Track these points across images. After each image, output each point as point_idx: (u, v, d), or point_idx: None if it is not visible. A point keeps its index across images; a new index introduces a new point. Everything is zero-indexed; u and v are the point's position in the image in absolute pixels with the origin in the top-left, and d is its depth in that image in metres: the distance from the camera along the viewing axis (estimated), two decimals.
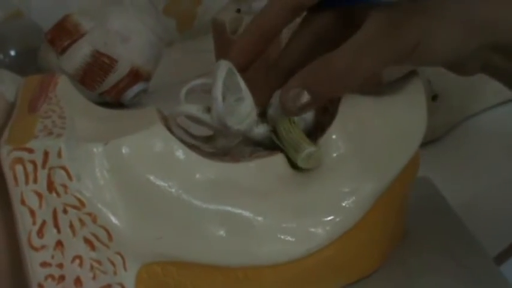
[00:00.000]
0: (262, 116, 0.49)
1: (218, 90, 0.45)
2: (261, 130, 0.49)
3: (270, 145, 0.49)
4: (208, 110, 0.47)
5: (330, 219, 0.48)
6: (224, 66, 0.46)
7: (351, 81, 0.44)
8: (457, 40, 0.43)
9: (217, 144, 0.50)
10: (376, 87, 0.52)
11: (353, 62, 0.43)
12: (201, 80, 0.49)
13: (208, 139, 0.50)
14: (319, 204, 0.48)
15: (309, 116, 0.50)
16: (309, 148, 0.47)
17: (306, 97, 0.45)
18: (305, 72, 0.45)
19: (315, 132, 0.52)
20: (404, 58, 0.44)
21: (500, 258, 0.64)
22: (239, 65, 0.49)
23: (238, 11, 0.83)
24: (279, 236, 0.47)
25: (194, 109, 0.47)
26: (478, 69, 0.48)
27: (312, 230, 0.47)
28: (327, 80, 0.44)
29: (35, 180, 0.42)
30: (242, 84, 0.47)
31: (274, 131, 0.49)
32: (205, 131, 0.50)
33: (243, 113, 0.47)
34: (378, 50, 0.43)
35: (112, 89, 0.88)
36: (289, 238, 0.47)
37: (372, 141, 0.49)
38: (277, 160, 0.48)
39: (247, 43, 0.51)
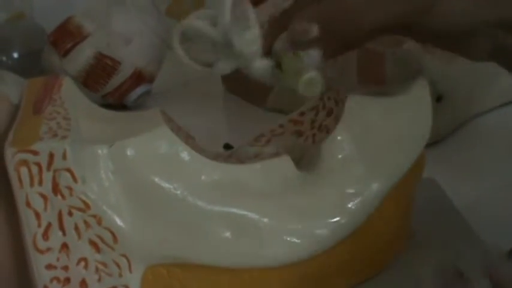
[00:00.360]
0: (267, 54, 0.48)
1: (226, 4, 0.44)
2: (262, 63, 0.47)
3: (269, 81, 0.49)
4: (215, 24, 0.46)
5: (335, 221, 0.48)
6: None
7: (362, 25, 0.44)
8: (469, 9, 0.44)
9: (215, 69, 0.48)
10: (381, 88, 0.52)
11: (367, 5, 0.44)
12: (211, 10, 0.48)
13: (206, 65, 0.49)
14: (324, 205, 0.48)
15: (315, 52, 0.47)
16: (310, 73, 0.46)
17: (314, 31, 0.44)
18: (316, 7, 0.45)
19: (320, 134, 0.52)
20: (415, 16, 0.44)
21: (506, 259, 0.64)
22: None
23: None
24: (284, 237, 0.47)
25: (202, 24, 0.46)
26: (488, 52, 0.48)
27: (318, 231, 0.47)
28: (337, 17, 0.44)
29: (40, 183, 0.42)
30: (251, 14, 0.46)
31: (279, 67, 0.48)
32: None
33: (247, 37, 0.46)
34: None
35: (115, 91, 0.88)
36: (294, 240, 0.47)
37: (377, 142, 0.49)
38: (283, 162, 0.48)
39: None
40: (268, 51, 0.48)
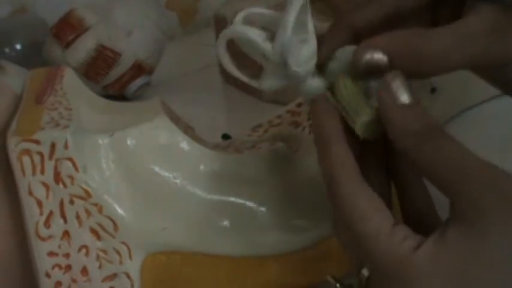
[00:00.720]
0: (319, 70, 0.43)
1: (290, 21, 0.39)
2: (315, 83, 0.42)
3: None
4: (272, 39, 0.41)
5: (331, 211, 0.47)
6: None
7: (438, 67, 0.40)
8: None
9: (263, 84, 0.43)
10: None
11: (450, 49, 0.39)
12: (261, 9, 0.43)
13: (252, 76, 0.44)
14: (320, 195, 0.48)
15: (375, 84, 0.41)
16: (365, 116, 0.40)
17: (383, 62, 0.40)
18: (394, 37, 0.40)
19: None
20: (496, 63, 0.41)
21: None
22: None
23: None
24: (281, 226, 0.46)
25: (256, 34, 0.41)
26: None
27: (314, 221, 0.47)
28: (414, 54, 0.40)
29: (42, 171, 0.41)
30: (310, 24, 0.41)
31: (331, 89, 0.42)
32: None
33: (304, 55, 0.41)
34: (479, 46, 0.40)
35: (116, 82, 0.88)
36: (291, 229, 0.47)
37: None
38: (280, 152, 0.47)
39: None
40: (321, 65, 0.43)
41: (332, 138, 0.39)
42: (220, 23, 0.90)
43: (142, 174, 0.44)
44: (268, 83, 0.42)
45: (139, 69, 0.89)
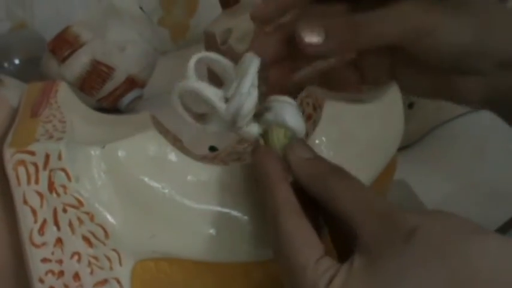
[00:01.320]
0: (255, 116, 0.45)
1: (246, 87, 0.42)
2: (252, 129, 0.45)
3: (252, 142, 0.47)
4: (226, 100, 0.43)
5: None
6: (256, 63, 0.43)
7: (374, 37, 0.44)
8: (467, 40, 0.44)
9: (207, 128, 0.45)
10: (357, 95, 0.52)
11: (385, 20, 0.44)
12: (212, 54, 0.45)
13: (200, 117, 0.46)
14: None
15: (300, 128, 0.45)
16: None
17: (321, 36, 0.43)
18: (326, 18, 0.44)
19: None
20: (411, 40, 0.44)
21: None
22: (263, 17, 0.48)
23: None
24: (265, 234, 0.46)
25: (212, 92, 0.43)
26: (480, 96, 0.47)
27: None
28: (351, 25, 0.44)
29: (37, 181, 0.41)
30: (255, 77, 0.43)
31: (264, 134, 0.45)
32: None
33: (249, 107, 0.43)
34: (410, 21, 0.44)
35: (109, 96, 0.88)
36: None
37: (352, 146, 0.49)
38: None
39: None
40: (257, 113, 0.45)
41: (275, 178, 0.41)
42: (210, 39, 0.90)
43: (133, 185, 0.43)
44: (212, 128, 0.45)
45: (132, 83, 0.89)
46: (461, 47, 0.45)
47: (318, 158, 0.42)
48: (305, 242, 0.38)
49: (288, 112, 0.44)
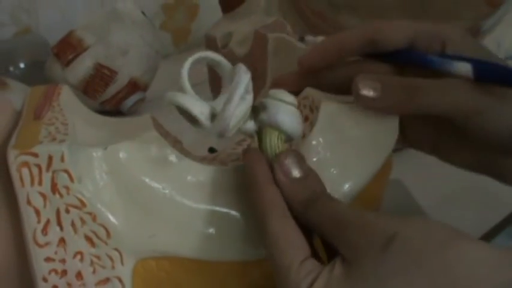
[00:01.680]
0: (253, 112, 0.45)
1: (233, 106, 0.41)
2: (248, 127, 0.45)
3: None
4: (213, 117, 0.43)
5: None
6: (246, 79, 0.42)
7: (429, 103, 0.44)
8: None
9: (202, 131, 0.44)
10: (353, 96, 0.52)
11: (442, 89, 0.44)
12: (210, 54, 0.44)
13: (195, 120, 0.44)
14: None
15: (297, 135, 0.46)
16: None
17: (377, 92, 0.44)
18: (385, 76, 0.45)
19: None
20: (462, 115, 0.45)
21: None
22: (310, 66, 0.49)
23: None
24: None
25: (198, 110, 0.42)
26: None
27: None
28: (407, 86, 0.44)
29: (40, 182, 0.41)
30: (245, 93, 0.43)
31: (259, 134, 0.45)
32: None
33: (242, 111, 0.43)
34: (464, 94, 0.44)
35: (112, 98, 0.88)
36: None
37: (348, 147, 0.49)
38: None
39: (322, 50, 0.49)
40: (254, 110, 0.45)
41: (263, 180, 0.41)
42: (211, 43, 0.90)
43: (134, 185, 0.43)
44: (206, 132, 0.43)
45: (134, 86, 0.89)
46: (509, 131, 0.45)
47: (306, 179, 0.42)
48: (290, 243, 0.39)
49: (282, 113, 0.43)
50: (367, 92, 0.44)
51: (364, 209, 0.49)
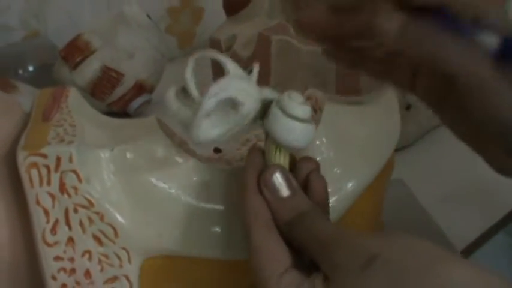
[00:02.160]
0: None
1: (198, 121, 0.39)
2: (257, 125, 0.42)
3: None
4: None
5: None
6: (212, 101, 0.39)
7: None
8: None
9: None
10: (356, 98, 0.52)
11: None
12: (210, 53, 0.42)
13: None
14: None
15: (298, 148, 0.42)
16: None
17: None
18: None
19: None
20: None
21: (467, 251, 0.64)
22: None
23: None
24: None
25: (181, 119, 0.41)
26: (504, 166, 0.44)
27: None
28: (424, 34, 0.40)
29: (49, 183, 0.41)
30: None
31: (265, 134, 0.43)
32: None
33: (219, 127, 0.41)
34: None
35: (119, 100, 0.88)
36: None
37: (351, 147, 0.49)
38: None
39: None
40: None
41: (252, 189, 0.41)
42: (215, 45, 0.90)
43: (141, 185, 0.43)
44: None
45: (140, 88, 0.89)
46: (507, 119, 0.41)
47: (294, 198, 0.40)
48: (270, 256, 0.38)
49: (280, 128, 0.40)
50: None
51: (366, 207, 0.49)
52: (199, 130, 0.40)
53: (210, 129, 0.40)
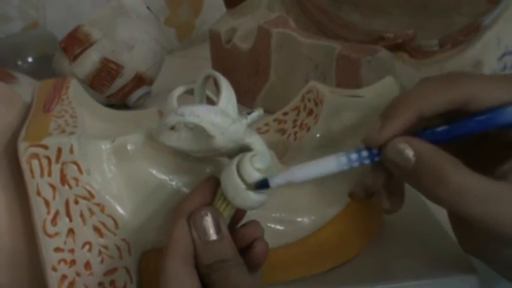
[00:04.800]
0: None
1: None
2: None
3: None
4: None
5: (315, 209, 0.47)
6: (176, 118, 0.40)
7: (452, 201, 0.39)
8: None
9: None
10: (356, 91, 0.52)
11: (470, 196, 0.38)
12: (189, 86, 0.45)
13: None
14: (305, 195, 0.48)
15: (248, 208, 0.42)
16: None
17: (410, 155, 0.40)
18: (432, 147, 0.40)
19: (301, 131, 0.52)
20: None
21: None
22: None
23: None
24: (269, 224, 0.46)
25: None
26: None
27: (299, 219, 0.47)
28: (436, 173, 0.39)
29: (50, 174, 0.41)
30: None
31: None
32: None
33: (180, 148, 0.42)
34: (499, 210, 0.38)
35: (118, 92, 0.88)
36: (278, 227, 0.47)
37: (351, 139, 0.49)
38: None
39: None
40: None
41: (182, 215, 0.40)
42: (215, 38, 0.90)
43: (141, 177, 0.43)
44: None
45: (140, 80, 0.89)
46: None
47: (219, 243, 0.40)
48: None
49: (230, 185, 0.40)
50: (404, 155, 0.40)
51: (364, 202, 0.49)
52: (159, 135, 0.42)
53: (171, 138, 0.42)
